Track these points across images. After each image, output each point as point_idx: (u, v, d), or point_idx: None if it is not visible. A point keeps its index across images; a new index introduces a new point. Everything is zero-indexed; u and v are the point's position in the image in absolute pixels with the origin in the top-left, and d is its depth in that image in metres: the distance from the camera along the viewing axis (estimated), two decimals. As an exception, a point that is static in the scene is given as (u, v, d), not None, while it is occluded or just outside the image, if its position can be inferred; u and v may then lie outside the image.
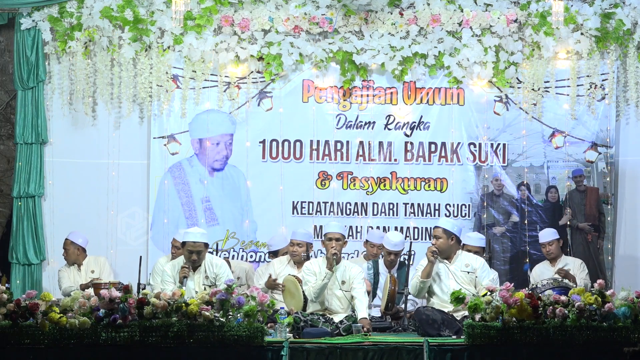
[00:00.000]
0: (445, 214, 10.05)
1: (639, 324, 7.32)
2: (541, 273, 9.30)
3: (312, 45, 9.96)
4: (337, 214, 10.07)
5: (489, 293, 7.47)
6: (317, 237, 9.64)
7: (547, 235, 9.54)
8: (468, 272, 8.35)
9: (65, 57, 10.00)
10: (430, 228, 10.01)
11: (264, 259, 10.01)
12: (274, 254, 9.56)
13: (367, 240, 9.48)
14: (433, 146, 10.14)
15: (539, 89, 9.98)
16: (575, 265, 9.41)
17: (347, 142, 10.15)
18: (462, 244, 8.75)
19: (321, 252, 9.15)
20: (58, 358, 7.32)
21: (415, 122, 10.13)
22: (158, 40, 9.93)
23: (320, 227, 9.83)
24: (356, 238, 9.87)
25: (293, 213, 10.09)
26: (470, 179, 10.14)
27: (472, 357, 7.35)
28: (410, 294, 8.62)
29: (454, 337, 7.77)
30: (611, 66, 9.96)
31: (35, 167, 9.94)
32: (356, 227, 10.03)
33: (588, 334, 7.29)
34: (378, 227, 9.93)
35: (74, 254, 9.52)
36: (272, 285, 8.89)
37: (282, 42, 9.89)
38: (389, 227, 9.96)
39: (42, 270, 9.94)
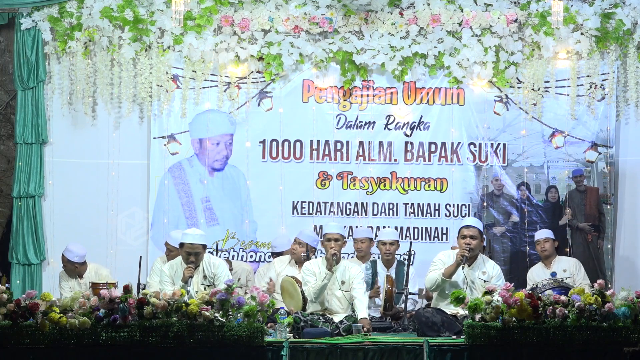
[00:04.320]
0: (446, 214, 10.05)
1: (639, 324, 7.32)
2: (537, 275, 9.29)
3: (312, 45, 9.95)
4: (337, 214, 10.07)
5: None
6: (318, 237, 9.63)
7: (543, 233, 9.56)
8: (485, 281, 8.33)
9: (65, 57, 10.00)
10: (431, 228, 10.06)
11: (264, 259, 10.01)
12: (277, 255, 9.57)
13: (354, 239, 9.48)
14: (433, 146, 10.13)
15: (539, 89, 9.98)
16: (570, 264, 9.40)
17: (347, 142, 10.14)
18: None
19: (321, 252, 9.14)
20: (58, 358, 7.32)
21: (415, 122, 10.12)
22: (158, 40, 9.93)
23: (321, 227, 9.83)
24: (356, 238, 9.84)
25: (293, 213, 10.09)
26: (470, 179, 10.13)
27: (472, 357, 7.35)
28: (419, 289, 8.64)
29: (454, 337, 7.77)
30: (611, 66, 9.95)
31: (35, 167, 9.93)
32: (356, 226, 10.01)
33: (588, 334, 7.28)
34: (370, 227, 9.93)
35: (71, 270, 9.29)
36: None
37: (282, 42, 9.89)
38: (388, 227, 9.95)
39: (42, 270, 9.93)
